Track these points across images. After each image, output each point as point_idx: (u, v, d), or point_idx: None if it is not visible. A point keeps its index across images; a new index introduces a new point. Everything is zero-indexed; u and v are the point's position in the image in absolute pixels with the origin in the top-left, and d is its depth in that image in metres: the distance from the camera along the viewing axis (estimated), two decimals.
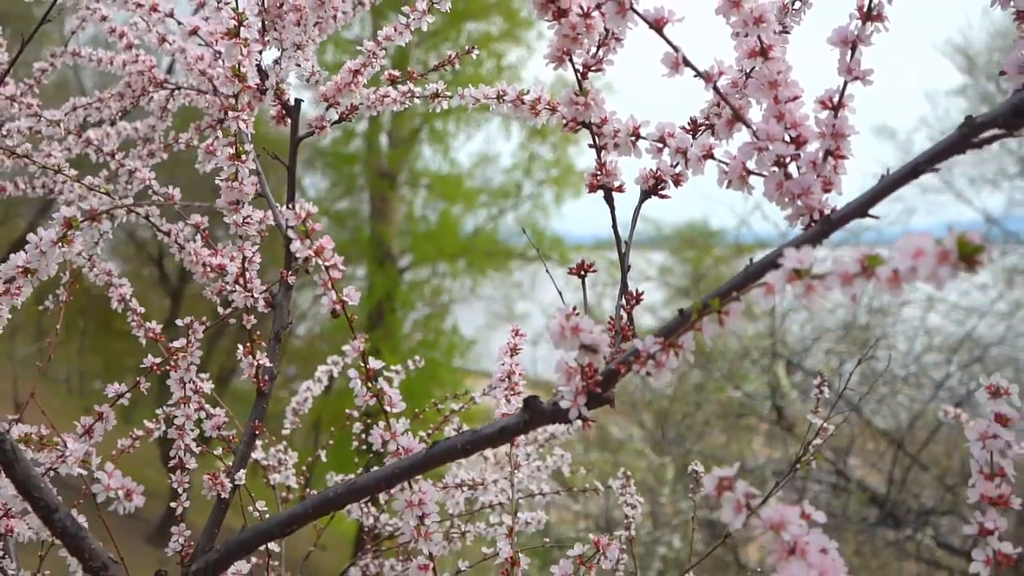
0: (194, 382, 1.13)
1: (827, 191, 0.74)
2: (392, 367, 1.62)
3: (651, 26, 0.76)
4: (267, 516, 1.36)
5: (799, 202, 0.74)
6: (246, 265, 1.12)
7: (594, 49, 0.86)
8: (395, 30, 1.30)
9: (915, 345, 7.19)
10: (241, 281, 1.13)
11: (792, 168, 0.75)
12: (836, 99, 0.74)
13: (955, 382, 6.66)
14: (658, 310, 8.33)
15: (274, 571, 1.44)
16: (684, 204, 9.99)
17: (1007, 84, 0.67)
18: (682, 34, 0.79)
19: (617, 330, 0.84)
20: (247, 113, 1.03)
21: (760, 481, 5.95)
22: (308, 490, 1.72)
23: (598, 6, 0.77)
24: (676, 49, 0.77)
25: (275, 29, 1.22)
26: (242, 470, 1.13)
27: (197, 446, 1.13)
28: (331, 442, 1.83)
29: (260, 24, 1.21)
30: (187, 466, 1.13)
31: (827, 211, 0.73)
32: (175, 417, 1.12)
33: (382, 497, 1.53)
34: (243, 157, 1.02)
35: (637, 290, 0.88)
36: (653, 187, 0.89)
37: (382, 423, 0.81)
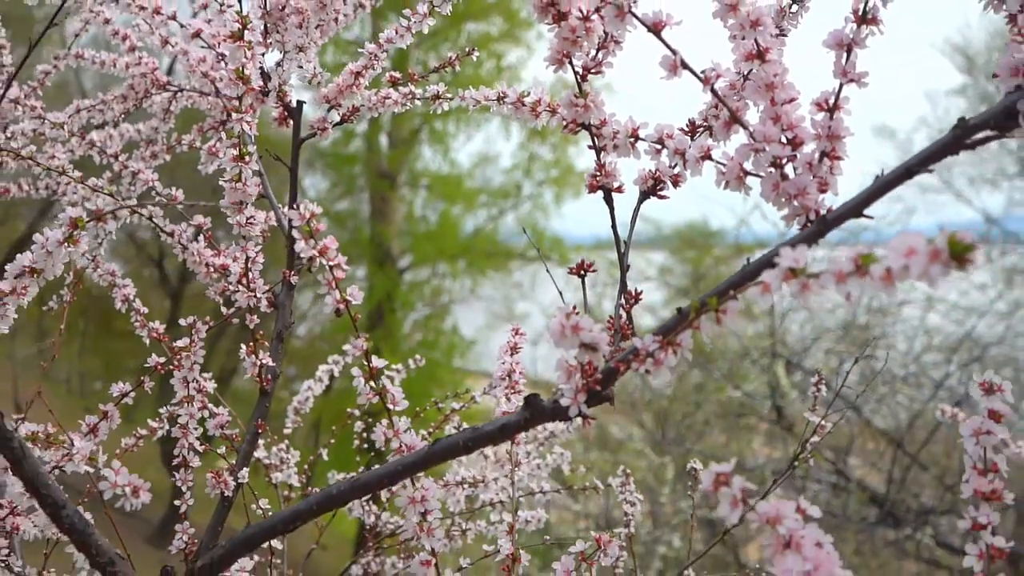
0: (197, 381, 1.15)
1: (823, 191, 0.75)
2: (393, 366, 1.63)
3: (649, 29, 0.77)
4: (270, 514, 1.37)
5: (795, 202, 0.75)
6: (249, 265, 1.13)
7: (594, 52, 0.87)
8: (396, 32, 1.31)
9: (914, 345, 7.20)
10: (244, 281, 1.15)
11: (788, 169, 0.77)
12: (832, 101, 0.76)
13: (954, 382, 6.67)
14: (658, 310, 8.34)
15: (276, 569, 1.45)
16: (684, 204, 10.01)
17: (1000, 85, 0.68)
18: (680, 37, 0.80)
19: (616, 329, 0.85)
20: (251, 115, 1.04)
21: (760, 480, 5.96)
22: (310, 488, 1.73)
23: (597, 10, 0.78)
24: (674, 52, 0.78)
25: (277, 31, 1.23)
26: (245, 468, 1.14)
27: (201, 445, 1.14)
28: (332, 441, 1.84)
29: (262, 27, 1.22)
30: (191, 464, 1.14)
31: (823, 211, 0.74)
32: (179, 416, 1.13)
33: (383, 495, 1.54)
34: (246, 158, 1.03)
35: (636, 289, 0.89)
36: (652, 188, 0.91)
37: (385, 421, 0.83)
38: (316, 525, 1.64)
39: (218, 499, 1.12)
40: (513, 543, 1.03)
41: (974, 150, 0.67)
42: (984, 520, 0.66)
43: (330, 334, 9.98)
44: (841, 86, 0.75)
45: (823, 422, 1.33)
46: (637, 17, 0.77)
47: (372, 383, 0.81)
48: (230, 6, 1.20)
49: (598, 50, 0.87)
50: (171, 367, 1.12)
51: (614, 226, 0.92)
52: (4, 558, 1.11)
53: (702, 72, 0.81)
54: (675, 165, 0.88)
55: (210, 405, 1.17)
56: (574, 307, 0.72)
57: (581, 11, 0.80)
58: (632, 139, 0.89)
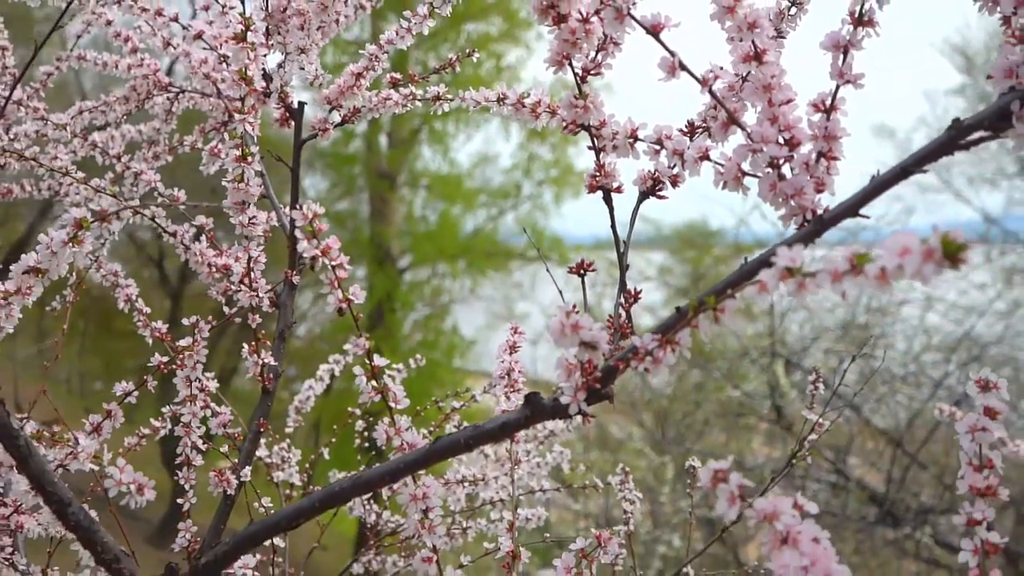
0: (200, 380, 1.15)
1: (820, 191, 0.76)
2: (394, 366, 1.64)
3: (648, 31, 0.78)
4: (272, 513, 1.38)
5: (792, 202, 0.76)
6: (252, 265, 1.14)
7: (593, 53, 0.88)
8: (397, 34, 1.32)
9: (914, 344, 7.21)
10: (246, 281, 1.15)
11: (786, 169, 0.77)
12: (828, 102, 0.76)
13: (953, 381, 6.68)
14: (657, 310, 8.35)
15: (278, 568, 1.46)
16: (683, 204, 10.01)
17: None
18: (679, 39, 0.81)
19: (616, 328, 0.86)
20: (253, 116, 1.05)
21: (759, 480, 5.97)
22: (311, 487, 1.74)
23: (597, 12, 0.79)
24: (672, 54, 0.79)
25: (279, 33, 1.24)
26: (248, 467, 1.14)
27: (204, 443, 1.15)
28: (333, 440, 1.85)
29: (264, 28, 1.23)
30: (194, 463, 1.15)
31: (820, 211, 0.75)
32: (182, 415, 1.14)
33: (384, 493, 1.55)
34: (249, 159, 1.04)
35: (636, 289, 0.90)
36: (651, 188, 0.91)
37: (386, 419, 0.83)
38: (318, 524, 1.65)
39: (219, 498, 1.13)
40: (513, 540, 1.04)
41: (968, 150, 0.68)
42: (979, 516, 0.67)
43: (330, 334, 9.98)
44: (838, 87, 0.76)
45: (821, 420, 1.34)
46: (636, 19, 0.78)
47: (374, 382, 0.82)
48: (232, 8, 1.21)
49: (597, 52, 0.88)
50: (174, 366, 1.13)
51: (613, 226, 0.93)
52: (8, 556, 1.12)
53: (700, 74, 0.82)
54: (674, 165, 0.89)
55: (212, 404, 1.18)
56: (574, 306, 0.73)
57: (581, 13, 0.80)
58: (631, 140, 0.90)
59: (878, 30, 0.75)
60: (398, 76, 1.35)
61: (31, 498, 0.94)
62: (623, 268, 0.91)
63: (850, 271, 0.54)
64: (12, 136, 1.52)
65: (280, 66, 1.25)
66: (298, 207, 0.73)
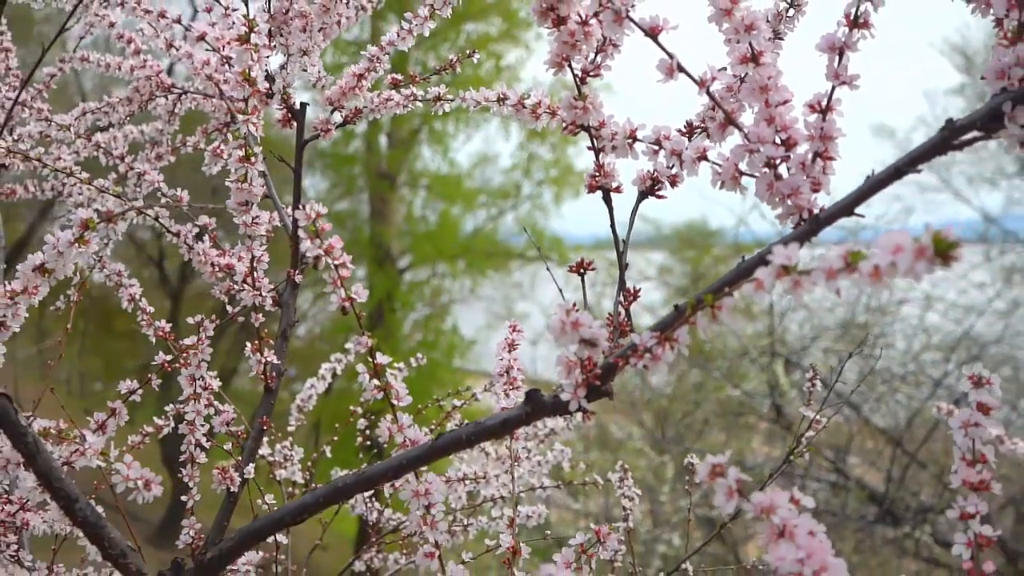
0: (204, 379, 1.17)
1: (816, 191, 0.77)
2: (395, 365, 1.65)
3: (647, 34, 0.79)
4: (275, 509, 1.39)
5: (789, 202, 0.77)
6: (255, 264, 1.15)
7: (592, 55, 0.89)
8: (398, 35, 1.33)
9: (913, 344, 7.22)
10: (250, 280, 1.17)
11: (782, 169, 0.79)
12: (824, 103, 0.78)
13: (953, 380, 6.69)
14: (657, 310, 8.36)
15: (281, 565, 1.47)
16: (683, 204, 10.03)
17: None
18: (677, 40, 0.82)
19: (615, 325, 0.87)
20: (256, 117, 1.06)
21: (759, 479, 5.97)
22: (312, 485, 1.75)
23: (596, 14, 0.80)
24: (671, 56, 0.80)
25: (281, 35, 1.25)
26: (251, 464, 1.16)
27: (207, 441, 1.17)
28: (335, 438, 1.86)
29: (267, 30, 1.24)
30: (197, 460, 1.16)
31: (816, 210, 0.76)
32: (186, 413, 1.15)
33: (386, 491, 1.56)
34: (252, 160, 1.05)
35: (635, 287, 0.91)
36: (650, 188, 0.93)
37: (389, 416, 0.85)
38: (320, 521, 1.66)
39: (221, 496, 1.14)
40: (514, 536, 1.05)
41: (962, 150, 0.69)
42: (972, 509, 0.68)
43: (330, 334, 10.00)
44: (833, 88, 0.77)
45: (818, 416, 1.35)
46: (634, 22, 0.79)
47: (377, 379, 0.83)
48: (235, 10, 1.22)
49: (597, 53, 0.89)
50: (178, 364, 1.15)
51: (613, 225, 0.94)
52: (14, 553, 1.13)
53: (698, 75, 0.83)
54: (672, 165, 0.90)
55: (216, 403, 1.20)
56: (574, 304, 0.74)
57: (580, 16, 0.82)
58: (630, 140, 0.91)
59: (873, 32, 0.77)
60: (399, 77, 1.36)
61: (37, 495, 0.95)
62: (622, 267, 0.92)
63: (844, 269, 0.55)
64: (16, 137, 1.53)
65: (282, 67, 1.26)
66: (301, 207, 0.75)
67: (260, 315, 1.19)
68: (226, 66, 1.28)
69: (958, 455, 0.71)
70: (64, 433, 0.92)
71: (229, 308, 1.23)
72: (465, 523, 1.61)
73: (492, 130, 10.65)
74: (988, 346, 7.07)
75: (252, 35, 1.06)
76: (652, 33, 0.80)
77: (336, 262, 0.77)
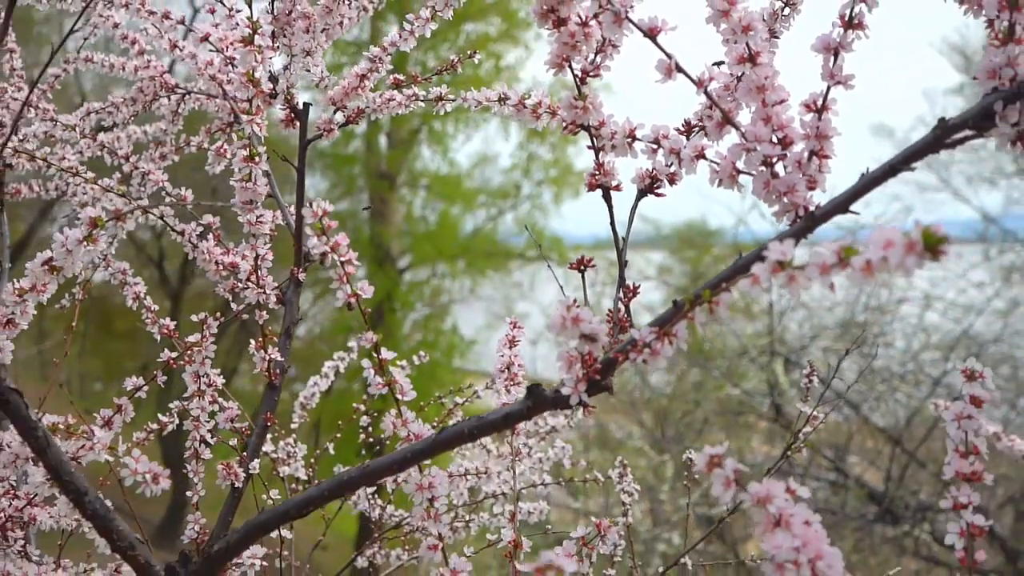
0: (208, 376, 1.18)
1: (811, 189, 0.78)
2: (397, 362, 1.66)
3: (645, 34, 0.81)
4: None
5: (785, 199, 0.78)
6: (259, 263, 1.17)
7: (592, 55, 0.90)
8: (400, 36, 1.34)
9: (913, 343, 7.24)
10: (254, 278, 1.18)
11: (779, 167, 0.80)
12: (820, 102, 0.79)
13: (952, 379, 6.70)
14: (657, 309, 8.36)
15: (284, 560, 1.49)
16: (683, 204, 10.05)
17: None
18: (676, 41, 0.84)
19: (615, 321, 0.89)
20: (260, 117, 1.08)
21: (759, 478, 5.98)
22: (315, 482, 1.77)
23: (595, 16, 0.82)
24: (669, 56, 0.81)
25: (284, 36, 1.27)
26: (256, 460, 1.17)
27: (212, 438, 1.18)
28: (338, 435, 1.88)
29: (270, 31, 1.26)
30: (202, 456, 1.18)
31: (811, 208, 0.78)
32: (191, 409, 1.17)
33: (389, 487, 1.58)
34: (256, 159, 1.07)
35: (634, 284, 0.93)
36: (649, 186, 0.94)
37: (393, 411, 0.86)
38: (323, 517, 1.68)
39: (221, 496, 1.16)
40: (515, 530, 1.07)
41: (954, 148, 0.71)
42: (965, 500, 0.70)
43: (329, 335, 10.01)
44: (829, 88, 0.79)
45: (815, 412, 1.36)
46: (633, 23, 0.80)
47: (383, 374, 0.84)
48: (239, 11, 1.23)
49: (596, 54, 0.91)
50: (183, 362, 1.16)
51: (612, 223, 0.95)
52: (21, 548, 1.15)
53: (696, 76, 0.85)
54: (671, 164, 0.92)
55: (220, 399, 1.21)
56: (574, 300, 0.75)
57: (580, 17, 0.83)
58: (629, 139, 0.93)
59: (867, 33, 0.78)
60: (401, 77, 1.38)
61: (45, 490, 0.97)
62: (622, 264, 0.93)
63: (838, 263, 0.57)
64: (21, 137, 1.55)
65: (286, 68, 1.28)
66: (308, 204, 0.76)
67: (264, 313, 1.20)
68: (229, 66, 1.29)
69: (951, 447, 0.73)
70: (72, 428, 0.94)
71: (233, 306, 1.25)
72: (467, 519, 1.63)
73: (492, 130, 10.68)
74: (987, 345, 7.08)
75: (256, 37, 1.08)
76: (651, 34, 0.81)
77: (342, 259, 0.79)
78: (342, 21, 1.33)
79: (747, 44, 0.80)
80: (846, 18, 0.78)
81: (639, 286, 0.93)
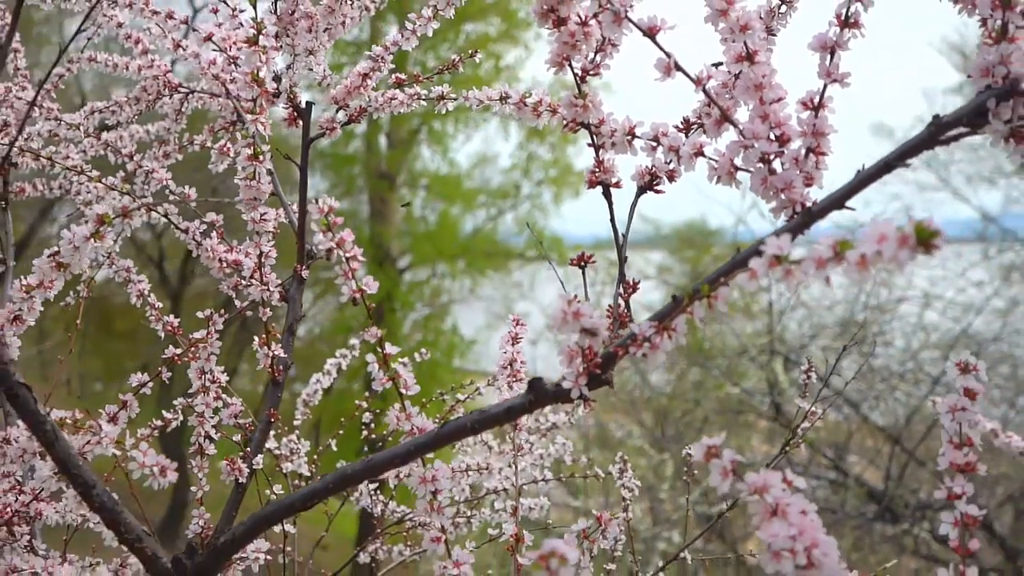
0: (212, 372, 1.19)
1: (809, 185, 0.80)
2: (399, 359, 1.67)
3: (645, 34, 0.82)
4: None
5: (783, 196, 0.80)
6: (262, 260, 1.18)
7: (592, 54, 0.92)
8: (402, 36, 1.35)
9: (912, 342, 7.25)
10: (257, 275, 1.19)
11: (776, 164, 0.81)
12: (816, 100, 0.80)
13: (951, 378, 6.70)
14: (656, 308, 8.34)
15: (287, 556, 1.50)
16: (683, 204, 10.07)
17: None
18: (675, 40, 0.85)
19: (615, 317, 0.90)
20: (264, 116, 1.09)
21: None
22: (318, 478, 1.78)
23: (595, 15, 0.83)
24: (668, 55, 0.82)
25: (287, 35, 1.28)
26: (259, 455, 1.18)
27: (216, 433, 1.19)
28: (341, 432, 1.89)
29: (273, 31, 1.27)
30: (207, 452, 1.19)
31: (808, 204, 0.79)
32: (195, 406, 1.18)
33: (391, 482, 1.59)
34: (260, 158, 1.08)
35: (634, 280, 0.94)
36: (648, 183, 0.95)
37: (396, 405, 0.87)
38: (325, 513, 1.69)
39: (223, 495, 1.17)
40: (517, 525, 1.08)
41: (948, 145, 0.72)
42: (959, 490, 0.71)
43: (329, 335, 10.02)
44: (825, 86, 0.80)
45: (813, 408, 1.38)
46: (633, 22, 0.82)
47: (386, 368, 0.86)
48: (242, 11, 1.24)
49: (596, 53, 0.92)
50: (188, 358, 1.17)
51: (612, 220, 0.96)
52: (27, 543, 1.16)
53: (695, 74, 0.86)
54: (670, 161, 0.93)
55: (224, 396, 1.23)
56: (575, 295, 0.77)
57: (579, 17, 0.84)
58: (629, 137, 0.94)
59: (864, 31, 0.79)
60: (403, 76, 1.39)
61: (52, 485, 0.98)
62: (622, 260, 0.95)
63: (833, 258, 0.58)
64: (26, 136, 1.56)
65: (288, 67, 1.29)
66: (313, 201, 0.77)
67: (267, 310, 1.22)
68: (232, 66, 1.31)
69: (945, 438, 0.74)
70: (79, 423, 0.95)
71: (236, 303, 1.26)
72: (468, 515, 1.64)
73: (491, 130, 10.69)
74: (986, 344, 7.09)
75: (260, 37, 1.09)
76: (650, 33, 0.82)
77: (348, 255, 0.80)
78: (344, 21, 1.34)
79: (745, 43, 0.81)
80: (842, 17, 0.79)
81: (639, 282, 0.94)
